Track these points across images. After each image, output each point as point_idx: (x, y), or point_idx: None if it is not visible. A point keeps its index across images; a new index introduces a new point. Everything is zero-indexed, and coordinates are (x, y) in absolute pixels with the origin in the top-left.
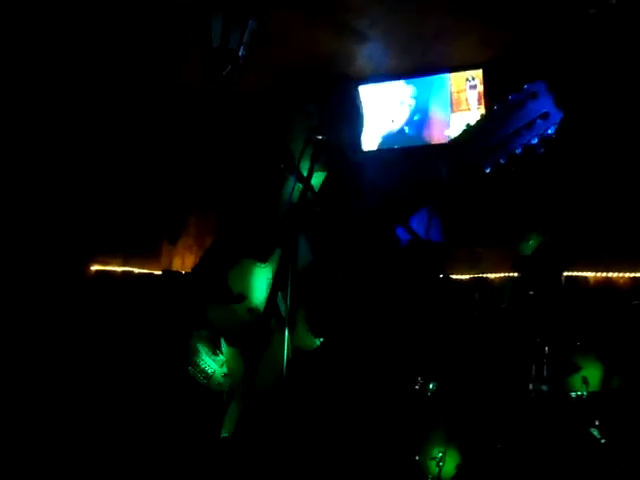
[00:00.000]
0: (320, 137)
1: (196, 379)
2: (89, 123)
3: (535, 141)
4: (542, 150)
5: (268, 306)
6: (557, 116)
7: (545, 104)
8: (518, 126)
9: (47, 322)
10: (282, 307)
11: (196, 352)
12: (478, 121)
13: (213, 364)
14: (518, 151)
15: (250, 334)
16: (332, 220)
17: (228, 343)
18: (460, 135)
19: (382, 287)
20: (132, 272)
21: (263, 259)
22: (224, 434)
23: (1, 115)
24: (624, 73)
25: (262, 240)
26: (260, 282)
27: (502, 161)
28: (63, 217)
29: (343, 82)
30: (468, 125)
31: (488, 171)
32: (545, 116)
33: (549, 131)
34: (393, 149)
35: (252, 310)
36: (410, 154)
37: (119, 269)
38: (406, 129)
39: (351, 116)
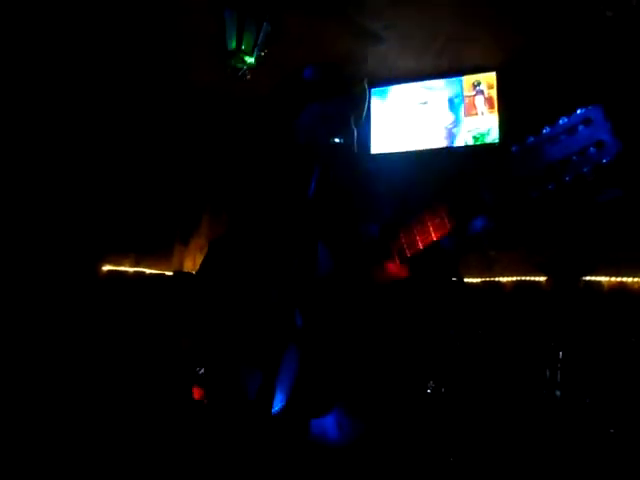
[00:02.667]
0: (337, 140)
1: None
2: (101, 122)
3: (586, 170)
4: (592, 177)
5: (283, 316)
6: (614, 147)
7: (601, 132)
8: (568, 153)
9: (59, 321)
10: (297, 316)
11: None
12: (523, 144)
13: None
14: (568, 179)
15: (266, 346)
16: (352, 228)
17: (243, 356)
18: (505, 158)
19: (397, 291)
20: (144, 272)
21: (279, 266)
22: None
23: (13, 109)
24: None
25: (279, 246)
26: (275, 291)
27: (551, 187)
28: (75, 216)
29: (355, 84)
30: (511, 148)
31: (535, 196)
32: (600, 145)
33: (603, 160)
34: (419, 151)
35: (266, 320)
36: (436, 157)
37: (131, 269)
38: (432, 130)
39: (362, 118)
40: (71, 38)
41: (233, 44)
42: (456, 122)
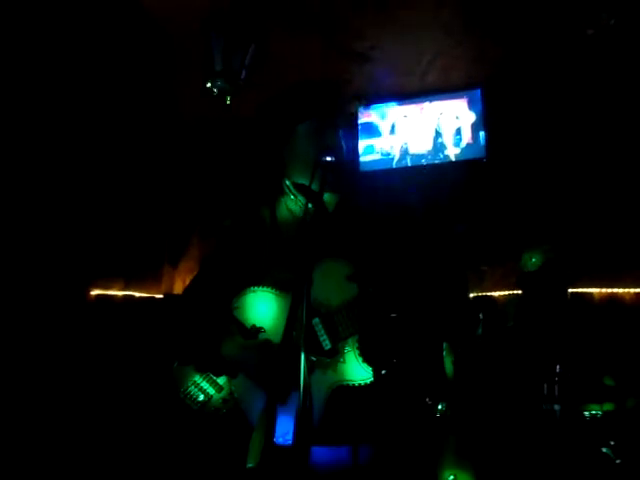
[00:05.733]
0: (329, 158)
1: (189, 405)
2: (90, 145)
3: None
4: None
5: (286, 338)
6: None
7: None
8: None
9: (47, 348)
10: (324, 340)
11: (187, 377)
12: None
13: (210, 388)
14: None
15: (275, 369)
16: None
17: (249, 377)
18: None
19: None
20: (133, 296)
21: (284, 287)
22: (250, 464)
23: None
24: (622, 92)
25: (276, 266)
26: (281, 312)
27: None
28: (63, 240)
29: (344, 100)
30: None
31: None
32: None
33: None
34: (408, 168)
35: (274, 343)
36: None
37: (120, 293)
38: (420, 147)
39: (352, 134)
40: (60, 68)
41: (220, 66)
42: (443, 138)
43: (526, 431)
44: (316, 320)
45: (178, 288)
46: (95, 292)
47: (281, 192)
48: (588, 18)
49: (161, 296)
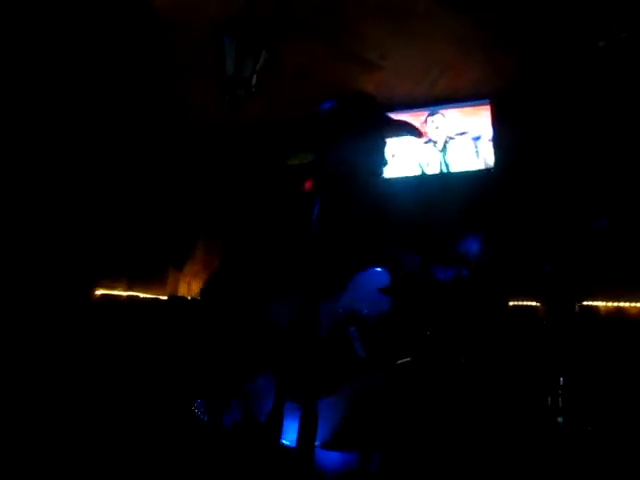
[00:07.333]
0: (347, 165)
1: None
2: (97, 148)
3: None
4: None
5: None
6: None
7: None
8: None
9: (52, 347)
10: (359, 349)
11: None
12: None
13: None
14: None
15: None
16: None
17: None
18: None
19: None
20: (137, 297)
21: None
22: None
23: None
24: (633, 106)
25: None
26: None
27: None
28: (69, 240)
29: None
30: None
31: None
32: None
33: None
34: (415, 177)
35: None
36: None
37: (124, 294)
38: (429, 156)
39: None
40: (71, 72)
41: (232, 70)
42: (451, 148)
43: (530, 443)
44: (352, 329)
45: (182, 290)
46: (100, 292)
47: (296, 197)
48: (599, 31)
49: (165, 297)
